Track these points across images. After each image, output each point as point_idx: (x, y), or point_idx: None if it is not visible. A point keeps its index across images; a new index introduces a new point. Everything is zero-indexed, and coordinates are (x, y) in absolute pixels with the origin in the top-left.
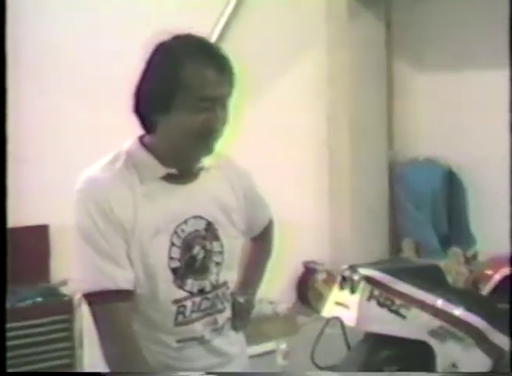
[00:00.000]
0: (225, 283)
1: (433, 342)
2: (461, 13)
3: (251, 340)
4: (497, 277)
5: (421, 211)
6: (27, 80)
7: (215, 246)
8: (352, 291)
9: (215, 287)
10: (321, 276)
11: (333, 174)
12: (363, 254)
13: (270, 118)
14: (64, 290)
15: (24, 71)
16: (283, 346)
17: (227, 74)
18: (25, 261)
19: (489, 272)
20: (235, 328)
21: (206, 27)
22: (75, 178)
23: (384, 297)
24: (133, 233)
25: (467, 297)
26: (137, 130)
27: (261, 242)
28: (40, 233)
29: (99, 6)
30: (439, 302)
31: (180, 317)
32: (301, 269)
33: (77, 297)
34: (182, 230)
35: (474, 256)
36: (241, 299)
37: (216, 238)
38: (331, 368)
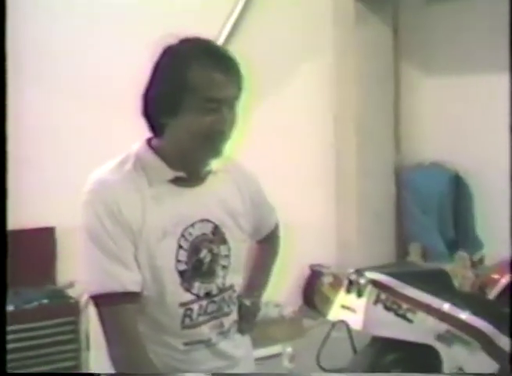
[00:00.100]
0: (231, 287)
1: (439, 346)
2: (468, 18)
3: (257, 343)
4: (504, 281)
5: (428, 215)
6: (27, 80)
7: (222, 249)
8: (359, 295)
9: (222, 290)
10: (327, 280)
11: (339, 177)
12: (370, 257)
13: (277, 121)
14: (70, 292)
15: (24, 72)
16: (289, 349)
17: (234, 76)
18: (31, 263)
19: (496, 276)
20: (241, 331)
21: (213, 30)
22: (77, 179)
23: (391, 301)
24: (141, 235)
25: (474, 301)
26: (137, 130)
27: (267, 245)
28: (46, 235)
29: (99, 6)
30: (446, 306)
31: (187, 320)
32: (307, 273)
33: (84, 299)
34: (190, 233)
35: (481, 260)
36: (247, 302)
37: (223, 241)
38: (337, 371)
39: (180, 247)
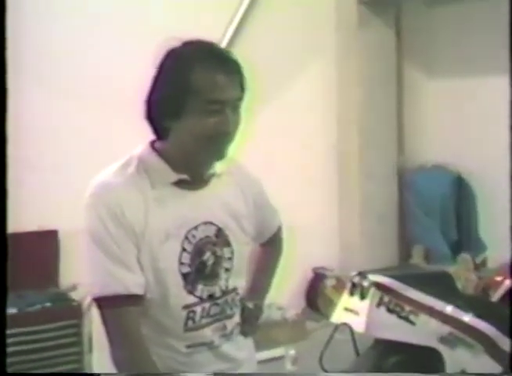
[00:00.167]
0: (234, 289)
1: (442, 349)
2: (470, 20)
3: (260, 345)
4: (507, 284)
5: (430, 217)
6: (28, 81)
7: (225, 252)
8: (362, 297)
9: (225, 292)
10: (330, 282)
11: (342, 179)
12: (373, 260)
13: (280, 123)
14: (73, 295)
15: (24, 72)
16: (292, 352)
17: (237, 78)
18: (34, 266)
19: (499, 278)
20: (244, 334)
21: (216, 33)
22: (78, 180)
23: (394, 303)
24: (144, 238)
25: (477, 303)
26: (138, 131)
27: (270, 248)
28: (49, 238)
29: (99, 6)
30: (449, 309)
31: (190, 322)
32: (310, 275)
33: (86, 302)
34: (193, 236)
35: (484, 262)
36: (250, 305)
37: (226, 244)
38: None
39: (183, 249)
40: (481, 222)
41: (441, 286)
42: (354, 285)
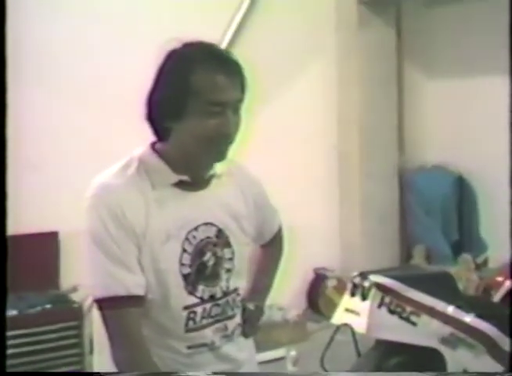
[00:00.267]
0: (235, 290)
1: (444, 349)
2: (470, 20)
3: (261, 346)
4: (508, 284)
5: (431, 218)
6: (28, 81)
7: (226, 253)
8: (363, 298)
9: (226, 293)
10: (331, 283)
11: (343, 180)
12: (374, 260)
13: (280, 123)
14: (74, 296)
15: (25, 72)
16: (293, 353)
17: (237, 79)
18: (34, 267)
19: (500, 278)
20: (245, 334)
21: (216, 33)
22: (79, 181)
23: (395, 304)
24: (144, 239)
25: (478, 304)
26: (138, 131)
27: (270, 249)
28: (49, 239)
29: (99, 6)
30: (450, 309)
31: (190, 323)
32: (311, 276)
33: (87, 303)
34: (194, 237)
35: (485, 263)
36: (251, 306)
37: (227, 245)
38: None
39: (184, 250)
40: (482, 222)
41: (443, 286)
42: (355, 286)
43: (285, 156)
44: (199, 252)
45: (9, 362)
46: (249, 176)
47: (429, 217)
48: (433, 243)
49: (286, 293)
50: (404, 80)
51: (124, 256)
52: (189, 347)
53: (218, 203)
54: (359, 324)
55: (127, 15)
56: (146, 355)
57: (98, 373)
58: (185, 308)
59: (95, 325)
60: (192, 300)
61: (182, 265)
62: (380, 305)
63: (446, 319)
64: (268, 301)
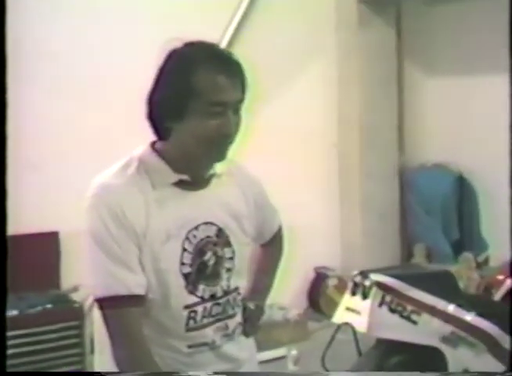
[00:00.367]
0: (236, 289)
1: (444, 348)
2: (471, 19)
3: (262, 346)
4: (509, 282)
5: (432, 217)
6: (28, 81)
7: (226, 252)
8: (364, 297)
9: (226, 292)
10: (332, 282)
11: (343, 179)
12: (374, 259)
13: (280, 122)
14: (74, 296)
15: (25, 72)
16: (294, 352)
17: (238, 79)
18: (35, 267)
19: (501, 277)
20: (245, 334)
21: (216, 33)
22: (79, 181)
23: (396, 303)
24: (145, 238)
25: (479, 302)
26: (138, 131)
27: (270, 248)
28: (50, 239)
29: (100, 6)
30: (451, 308)
31: (191, 322)
32: (312, 275)
33: (88, 303)
34: (194, 236)
35: (486, 261)
36: (251, 305)
37: (227, 244)
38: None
39: (184, 249)
40: (483, 220)
41: (443, 285)
42: (355, 285)
43: (285, 155)
44: (199, 251)
45: (9, 362)
46: (249, 176)
47: (429, 216)
48: (433, 242)
49: (287, 292)
50: (404, 79)
51: (125, 256)
52: (190, 346)
53: (218, 202)
54: (360, 323)
55: (127, 15)
56: (146, 354)
57: (99, 373)
58: (186, 307)
59: (96, 325)
60: (193, 299)
61: (183, 264)
62: (380, 304)
63: (447, 317)
64: (269, 301)
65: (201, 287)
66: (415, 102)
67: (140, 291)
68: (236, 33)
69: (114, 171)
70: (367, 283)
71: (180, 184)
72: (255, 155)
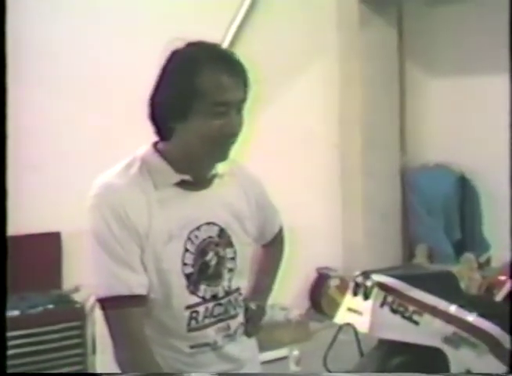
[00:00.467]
0: (237, 290)
1: (446, 349)
2: (472, 20)
3: (264, 346)
4: (511, 283)
5: (434, 217)
6: (28, 81)
7: (228, 252)
8: (365, 298)
9: (228, 293)
10: (334, 283)
11: (345, 179)
12: (376, 259)
13: (282, 123)
14: (76, 296)
15: (25, 72)
16: (296, 352)
17: (241, 79)
18: (37, 268)
19: (503, 277)
20: (247, 334)
21: (217, 33)
22: (80, 181)
23: (398, 303)
24: (147, 239)
25: (481, 303)
26: (139, 131)
27: (272, 249)
28: (52, 240)
29: (100, 6)
30: (452, 309)
31: (193, 323)
32: (313, 276)
33: (89, 303)
34: (196, 236)
35: (487, 262)
36: (253, 305)
37: (229, 244)
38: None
39: (186, 250)
40: (485, 221)
41: (445, 286)
42: (357, 285)
43: (287, 156)
44: (201, 252)
45: (11, 362)
46: (250, 176)
47: (431, 216)
48: (435, 242)
49: (288, 293)
50: (405, 79)
51: (127, 256)
52: (192, 346)
53: (220, 202)
54: (362, 324)
55: (127, 15)
56: (148, 354)
57: (100, 374)
58: (188, 307)
59: (98, 325)
60: (195, 299)
61: (185, 264)
62: (382, 305)
63: (449, 318)
64: (271, 301)
65: (203, 287)
66: (416, 102)
67: (142, 291)
68: (237, 33)
69: (117, 171)
70: (369, 283)
71: (182, 184)
72: (257, 155)
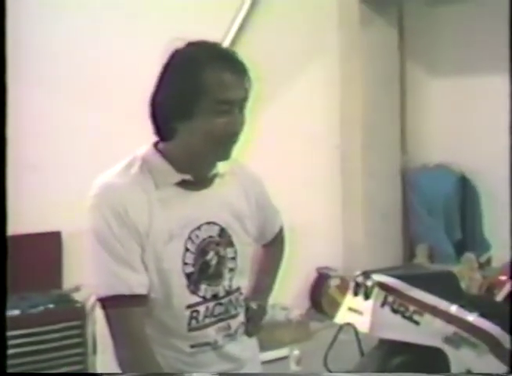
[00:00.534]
0: (238, 289)
1: (447, 349)
2: (473, 19)
3: (264, 346)
4: (511, 283)
5: (434, 217)
6: (28, 81)
7: (229, 252)
8: (366, 297)
9: (228, 292)
10: (334, 282)
11: (345, 179)
12: (376, 259)
13: (283, 123)
14: (76, 296)
15: (25, 72)
16: (296, 352)
17: (243, 77)
18: (37, 267)
19: (503, 277)
20: (248, 334)
21: (218, 33)
22: (80, 181)
23: (398, 303)
24: (147, 238)
25: (481, 303)
26: (139, 131)
27: (272, 249)
28: (52, 239)
29: (100, 6)
30: (453, 309)
31: (193, 322)
32: (314, 275)
33: (90, 303)
34: (196, 236)
35: (488, 262)
36: (254, 305)
37: (230, 244)
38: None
39: (187, 249)
40: (485, 221)
41: (446, 285)
42: (358, 285)
43: (287, 156)
44: (202, 251)
45: (11, 362)
46: (251, 175)
47: (432, 216)
48: (436, 242)
49: (289, 293)
50: (406, 79)
51: (128, 255)
52: (192, 346)
53: (220, 202)
54: (362, 323)
55: (127, 15)
56: (149, 354)
57: (101, 374)
58: (188, 307)
59: (98, 324)
60: (195, 299)
61: (185, 264)
62: (383, 305)
63: (449, 318)
64: (271, 301)
65: (203, 286)
66: (417, 102)
67: (142, 291)
68: (238, 33)
69: (117, 171)
70: (369, 283)
71: (183, 184)
72: (257, 155)
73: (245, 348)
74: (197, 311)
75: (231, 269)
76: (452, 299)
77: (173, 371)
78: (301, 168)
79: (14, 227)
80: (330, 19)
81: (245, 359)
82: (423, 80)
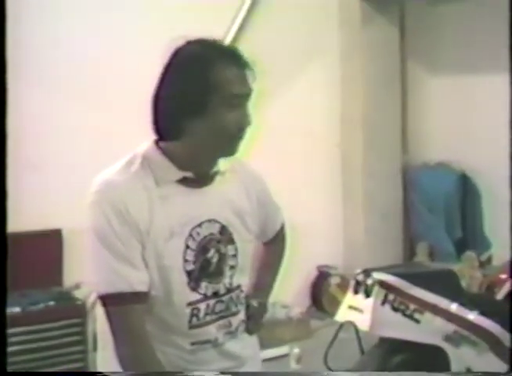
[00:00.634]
0: (238, 287)
1: (447, 347)
2: (473, 18)
3: (265, 344)
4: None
5: (435, 215)
6: (28, 81)
7: (230, 249)
8: (366, 296)
9: (229, 290)
10: (335, 281)
11: (346, 178)
12: (377, 258)
13: (283, 122)
14: (77, 293)
15: (25, 72)
16: (297, 350)
17: (248, 72)
18: (38, 265)
19: (504, 276)
20: (248, 331)
21: (219, 32)
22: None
23: (398, 301)
24: (148, 235)
25: (481, 301)
26: (139, 130)
27: (273, 246)
28: (53, 237)
29: (100, 6)
30: (453, 307)
31: (194, 320)
32: (314, 274)
33: (90, 300)
34: (197, 233)
35: (489, 260)
36: (254, 303)
37: (230, 242)
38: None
39: (187, 247)
40: (486, 219)
41: (446, 284)
42: (358, 283)
43: (288, 155)
44: (202, 249)
45: (12, 359)
46: (252, 173)
47: (432, 215)
48: (436, 240)
49: (289, 291)
50: (407, 78)
51: (128, 252)
52: (193, 343)
53: (221, 199)
54: (363, 322)
55: (128, 14)
56: (149, 351)
57: (100, 372)
58: (189, 304)
59: (99, 322)
60: (196, 296)
61: (186, 261)
62: (383, 303)
63: (450, 316)
64: (272, 299)
65: (204, 284)
66: (418, 101)
67: (143, 288)
68: (238, 33)
69: (118, 168)
70: (370, 281)
71: (184, 181)
72: (258, 154)
73: (245, 346)
74: (198, 308)
75: (232, 267)
76: (452, 297)
77: (173, 368)
78: (301, 167)
79: (15, 226)
80: (331, 18)
81: (245, 357)
82: (424, 79)
